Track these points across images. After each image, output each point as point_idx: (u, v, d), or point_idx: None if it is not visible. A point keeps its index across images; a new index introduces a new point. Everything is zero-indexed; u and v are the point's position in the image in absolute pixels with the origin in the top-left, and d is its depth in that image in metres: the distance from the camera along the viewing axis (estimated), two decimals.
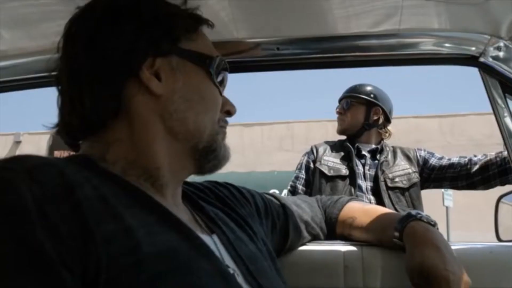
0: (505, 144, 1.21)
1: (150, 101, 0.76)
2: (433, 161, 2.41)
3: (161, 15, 0.79)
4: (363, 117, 2.51)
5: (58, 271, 0.53)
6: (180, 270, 0.63)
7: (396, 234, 1.01)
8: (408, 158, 2.46)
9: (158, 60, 0.77)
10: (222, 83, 0.86)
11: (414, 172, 2.40)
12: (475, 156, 2.30)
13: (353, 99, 2.55)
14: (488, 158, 2.22)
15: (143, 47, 0.76)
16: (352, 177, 2.39)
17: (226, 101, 0.87)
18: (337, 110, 2.59)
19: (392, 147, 2.55)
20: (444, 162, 2.37)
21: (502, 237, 2.06)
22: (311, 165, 2.50)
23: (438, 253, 0.92)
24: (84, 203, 0.59)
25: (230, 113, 0.88)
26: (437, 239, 0.96)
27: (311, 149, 2.57)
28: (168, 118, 0.77)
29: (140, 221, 0.64)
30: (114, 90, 0.74)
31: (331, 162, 2.46)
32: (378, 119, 2.53)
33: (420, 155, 2.46)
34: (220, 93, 0.85)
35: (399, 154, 2.48)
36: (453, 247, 0.97)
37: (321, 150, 2.53)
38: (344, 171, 2.41)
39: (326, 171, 2.42)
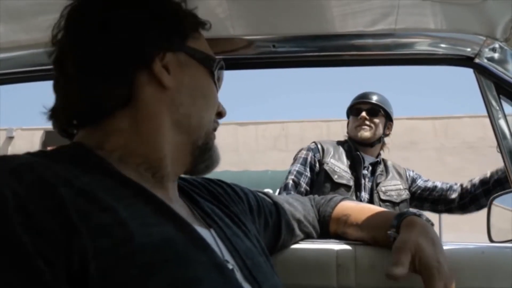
0: (498, 145, 1.21)
1: (158, 93, 0.77)
2: (419, 182, 2.55)
3: (169, 11, 0.80)
4: (382, 130, 2.51)
5: (35, 263, 0.53)
6: (176, 261, 0.63)
7: (393, 230, 1.00)
8: (399, 174, 2.54)
9: (168, 55, 0.78)
10: (218, 82, 0.88)
11: (404, 189, 2.49)
12: (455, 184, 2.47)
13: (381, 109, 2.49)
14: (464, 186, 2.42)
15: (157, 39, 0.77)
16: (356, 188, 2.40)
17: (219, 103, 0.89)
18: (363, 115, 2.46)
19: (382, 159, 2.58)
20: (429, 184, 2.52)
21: (494, 238, 2.07)
22: (317, 165, 2.42)
23: (433, 247, 0.93)
24: (67, 200, 0.58)
25: (221, 115, 0.90)
26: (434, 235, 0.96)
27: (316, 146, 2.47)
28: (175, 111, 0.78)
29: (134, 212, 0.64)
30: (126, 78, 0.74)
31: (338, 167, 2.40)
32: (388, 134, 2.57)
33: (409, 175, 2.57)
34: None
35: (391, 169, 2.54)
36: (445, 247, 0.97)
37: (327, 150, 2.45)
38: (351, 181, 2.39)
39: (332, 176, 2.38)
